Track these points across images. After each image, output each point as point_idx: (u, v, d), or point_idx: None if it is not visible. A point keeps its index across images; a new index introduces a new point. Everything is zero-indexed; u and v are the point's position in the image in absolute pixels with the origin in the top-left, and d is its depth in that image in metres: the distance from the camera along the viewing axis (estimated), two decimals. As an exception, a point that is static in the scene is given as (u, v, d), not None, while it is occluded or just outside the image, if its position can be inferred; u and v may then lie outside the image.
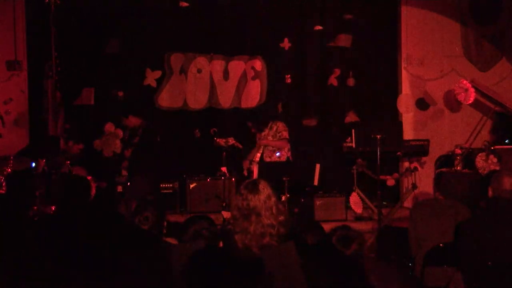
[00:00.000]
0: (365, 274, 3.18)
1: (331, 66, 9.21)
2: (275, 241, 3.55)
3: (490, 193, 4.11)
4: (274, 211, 3.61)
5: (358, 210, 7.85)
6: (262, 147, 7.61)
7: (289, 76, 9.19)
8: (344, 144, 7.96)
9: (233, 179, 8.07)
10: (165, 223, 3.87)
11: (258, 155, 7.57)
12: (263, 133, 7.64)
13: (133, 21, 8.95)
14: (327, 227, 5.00)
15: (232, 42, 9.25)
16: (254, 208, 3.57)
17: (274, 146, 7.59)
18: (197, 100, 9.20)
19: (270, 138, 7.59)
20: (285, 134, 7.58)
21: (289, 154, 7.63)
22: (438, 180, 4.92)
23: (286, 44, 9.15)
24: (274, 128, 7.63)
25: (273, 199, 3.67)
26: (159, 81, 9.14)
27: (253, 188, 3.64)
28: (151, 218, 3.71)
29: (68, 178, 7.02)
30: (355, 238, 3.42)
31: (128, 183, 7.98)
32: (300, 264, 3.42)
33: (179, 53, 9.16)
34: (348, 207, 7.98)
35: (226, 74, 9.24)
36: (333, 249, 3.54)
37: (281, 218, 3.61)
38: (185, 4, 8.96)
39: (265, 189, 3.66)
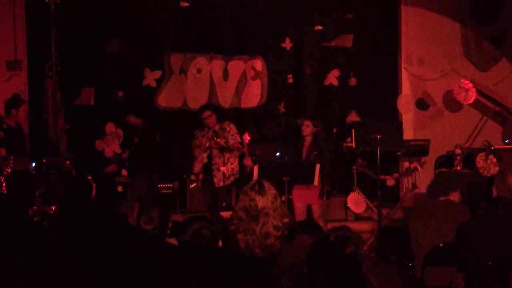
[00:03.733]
0: (364, 274, 3.18)
1: (331, 66, 9.20)
2: (278, 243, 3.54)
3: (494, 193, 4.11)
4: (280, 212, 3.61)
5: (358, 210, 7.85)
6: (207, 150, 7.47)
7: (291, 76, 9.19)
8: (344, 144, 7.95)
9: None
10: (170, 224, 3.85)
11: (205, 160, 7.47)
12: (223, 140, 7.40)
13: (133, 21, 8.95)
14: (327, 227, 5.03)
15: (232, 42, 9.25)
16: (262, 209, 3.55)
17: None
18: (197, 100, 9.19)
19: (223, 142, 7.37)
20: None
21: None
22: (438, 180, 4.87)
23: (287, 44, 9.15)
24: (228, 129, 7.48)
25: (279, 199, 3.68)
26: (159, 81, 9.14)
27: (260, 189, 3.62)
28: (157, 218, 3.70)
29: (69, 178, 7.04)
30: (353, 239, 3.41)
31: (132, 183, 7.97)
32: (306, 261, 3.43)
33: (178, 53, 9.16)
34: (347, 207, 7.97)
35: (225, 74, 9.24)
36: (332, 248, 3.54)
37: (286, 220, 3.60)
38: (185, 4, 8.96)
39: (271, 190, 3.66)
